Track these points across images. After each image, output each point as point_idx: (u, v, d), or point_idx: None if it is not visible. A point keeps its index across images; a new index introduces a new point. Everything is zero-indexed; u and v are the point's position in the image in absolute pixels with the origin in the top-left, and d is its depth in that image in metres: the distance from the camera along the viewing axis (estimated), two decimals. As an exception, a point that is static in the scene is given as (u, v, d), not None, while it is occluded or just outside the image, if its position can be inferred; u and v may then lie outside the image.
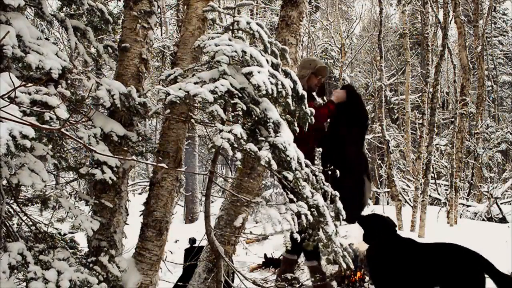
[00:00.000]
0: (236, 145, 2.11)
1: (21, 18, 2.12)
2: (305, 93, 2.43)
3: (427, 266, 3.18)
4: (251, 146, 2.15)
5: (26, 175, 2.01)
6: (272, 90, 2.17)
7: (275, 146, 2.21)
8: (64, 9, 2.80)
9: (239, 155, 2.15)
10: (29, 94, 1.94)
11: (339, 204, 2.60)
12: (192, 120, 2.73)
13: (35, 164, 2.05)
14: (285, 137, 2.25)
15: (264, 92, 2.14)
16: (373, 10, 21.45)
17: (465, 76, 9.91)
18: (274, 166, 2.16)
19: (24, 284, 2.04)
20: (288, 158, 2.22)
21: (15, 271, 2.03)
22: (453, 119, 11.68)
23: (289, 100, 2.28)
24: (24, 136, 1.68)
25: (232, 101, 2.19)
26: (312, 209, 2.37)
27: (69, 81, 2.29)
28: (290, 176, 2.26)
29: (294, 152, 2.26)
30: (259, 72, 2.16)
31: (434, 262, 3.17)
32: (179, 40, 2.91)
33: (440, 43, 9.07)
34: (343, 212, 2.63)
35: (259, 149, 2.18)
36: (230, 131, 2.12)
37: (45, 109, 1.94)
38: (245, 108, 2.20)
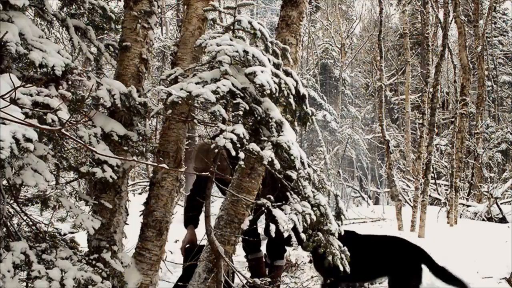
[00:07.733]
0: (238, 145, 2.10)
1: (23, 17, 2.12)
2: (306, 93, 2.44)
3: (374, 257, 3.49)
4: (253, 146, 2.15)
5: (30, 175, 2.01)
6: (275, 89, 2.17)
7: (279, 145, 2.21)
8: (64, 8, 2.79)
9: (242, 155, 2.14)
10: (31, 95, 1.94)
11: (341, 204, 2.60)
12: (189, 119, 2.72)
13: (38, 164, 2.04)
14: (289, 136, 2.25)
15: (268, 91, 2.14)
16: (373, 10, 21.49)
17: (465, 76, 9.91)
18: (277, 165, 2.16)
19: (26, 284, 2.04)
20: (292, 157, 2.22)
21: (19, 270, 2.03)
22: (453, 119, 11.66)
23: (291, 100, 2.28)
24: (27, 139, 1.68)
25: (234, 101, 2.19)
26: (314, 208, 2.37)
27: (70, 82, 2.29)
28: (293, 175, 2.26)
29: (297, 151, 2.27)
30: (262, 72, 2.16)
31: (382, 253, 3.52)
32: (179, 40, 2.91)
33: (440, 43, 9.06)
34: (345, 212, 2.64)
35: (262, 148, 2.18)
36: (232, 131, 2.12)
37: (46, 111, 1.94)
38: (247, 107, 2.20)
